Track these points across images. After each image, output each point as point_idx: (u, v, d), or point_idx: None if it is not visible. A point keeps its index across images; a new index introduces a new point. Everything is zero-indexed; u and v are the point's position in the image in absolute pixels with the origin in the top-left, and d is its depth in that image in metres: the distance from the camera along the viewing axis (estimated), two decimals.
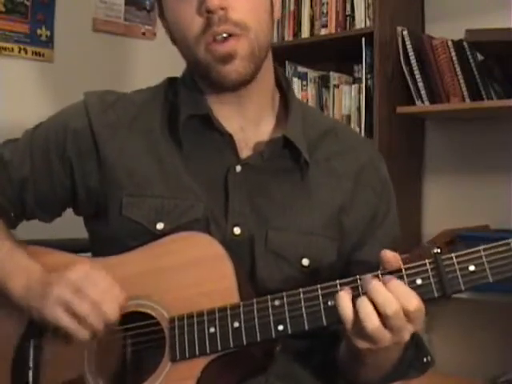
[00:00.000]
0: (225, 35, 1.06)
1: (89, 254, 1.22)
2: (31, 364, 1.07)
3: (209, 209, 1.09)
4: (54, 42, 2.59)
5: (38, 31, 2.55)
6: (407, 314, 0.90)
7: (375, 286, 0.91)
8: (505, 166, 2.46)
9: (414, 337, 1.06)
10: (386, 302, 0.90)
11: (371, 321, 0.89)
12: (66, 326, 1.00)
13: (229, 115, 1.14)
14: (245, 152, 1.13)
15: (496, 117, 2.47)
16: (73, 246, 1.60)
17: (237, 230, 1.09)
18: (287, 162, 1.13)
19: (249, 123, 1.15)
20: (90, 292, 1.00)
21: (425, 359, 1.09)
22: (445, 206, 2.62)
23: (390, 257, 0.94)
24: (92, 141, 1.14)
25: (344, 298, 0.91)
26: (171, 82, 1.22)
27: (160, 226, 1.09)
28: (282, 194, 1.12)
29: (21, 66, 2.52)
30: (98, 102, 1.18)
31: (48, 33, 2.57)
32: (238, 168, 1.11)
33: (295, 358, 1.12)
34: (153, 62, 2.83)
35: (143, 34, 2.87)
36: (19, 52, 2.51)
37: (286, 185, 1.13)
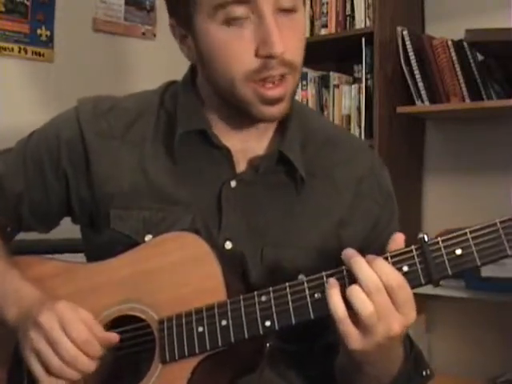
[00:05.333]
0: (277, 78, 1.01)
1: (83, 255, 1.21)
2: (25, 373, 1.05)
3: (199, 221, 1.08)
4: (53, 42, 2.59)
5: (38, 31, 2.55)
6: (390, 291, 0.89)
7: (357, 261, 0.90)
8: (505, 165, 2.46)
9: (413, 350, 1.06)
10: (368, 278, 0.89)
11: (365, 306, 0.88)
12: (37, 377, 0.98)
13: (230, 127, 1.11)
14: (242, 165, 1.11)
15: (496, 117, 2.47)
16: (70, 246, 1.61)
17: (228, 245, 1.07)
18: (283, 176, 1.11)
19: (251, 135, 1.12)
20: (65, 346, 0.96)
21: (424, 372, 1.08)
22: (445, 205, 2.62)
23: (399, 237, 0.93)
24: (83, 150, 1.13)
25: (334, 295, 0.90)
26: (170, 87, 1.19)
27: (148, 238, 1.08)
28: (278, 209, 1.10)
29: (21, 66, 2.52)
30: (91, 110, 1.15)
31: (48, 33, 2.58)
32: (233, 183, 1.09)
33: (291, 366, 1.12)
34: (153, 62, 2.84)
35: (143, 33, 2.87)
36: (19, 52, 2.51)
37: (282, 200, 1.10)
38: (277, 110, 1.04)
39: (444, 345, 2.57)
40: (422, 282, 0.91)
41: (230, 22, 0.99)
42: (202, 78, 1.12)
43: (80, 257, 1.20)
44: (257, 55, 1.00)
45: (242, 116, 1.07)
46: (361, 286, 0.89)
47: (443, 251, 0.90)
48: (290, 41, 1.01)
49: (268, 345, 0.99)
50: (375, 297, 0.88)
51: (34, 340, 0.98)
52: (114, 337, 1.01)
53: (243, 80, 1.01)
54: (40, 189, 1.16)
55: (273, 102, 1.02)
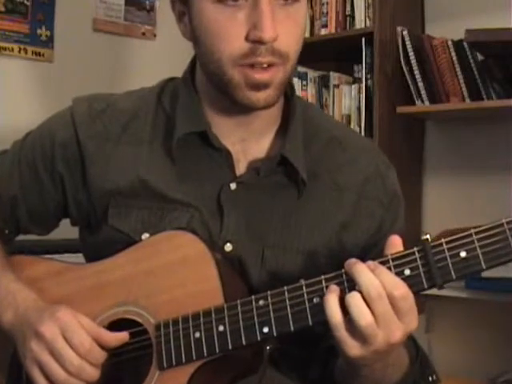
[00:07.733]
0: (265, 65, 0.98)
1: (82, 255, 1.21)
2: (24, 376, 1.04)
3: (198, 221, 1.06)
4: (54, 42, 2.59)
5: (38, 31, 2.55)
6: (393, 301, 0.85)
7: (359, 267, 0.87)
8: (505, 166, 2.45)
9: (419, 354, 1.03)
10: (370, 284, 0.85)
11: (363, 315, 0.85)
12: None
13: (230, 127, 1.09)
14: (241, 167, 1.09)
15: (496, 117, 2.46)
16: (69, 247, 1.60)
17: (228, 247, 1.05)
18: (284, 178, 1.08)
19: (252, 135, 1.10)
20: (69, 357, 0.95)
21: (430, 378, 1.06)
22: (445, 205, 2.62)
23: (395, 240, 0.90)
24: (78, 152, 1.11)
25: (330, 301, 0.87)
26: (168, 85, 1.16)
27: (145, 236, 1.06)
28: (279, 212, 1.07)
29: (21, 66, 2.52)
30: (86, 111, 1.13)
31: (48, 33, 2.58)
32: (233, 186, 1.07)
33: (291, 368, 1.10)
34: (153, 62, 2.84)
35: (143, 34, 2.87)
36: (19, 52, 2.51)
37: (283, 202, 1.08)
38: (263, 97, 1.00)
39: (444, 345, 2.56)
40: (425, 286, 0.87)
41: (225, 1, 0.97)
42: (198, 64, 1.10)
43: (80, 257, 1.20)
44: (247, 39, 0.97)
45: (233, 104, 1.04)
46: (361, 292, 0.86)
47: (447, 254, 0.86)
48: (284, 30, 0.98)
49: (268, 348, 0.96)
50: (376, 304, 0.85)
51: (36, 351, 0.96)
52: (124, 336, 0.99)
53: (231, 62, 0.99)
54: (36, 192, 1.15)
55: (259, 86, 1.00)
